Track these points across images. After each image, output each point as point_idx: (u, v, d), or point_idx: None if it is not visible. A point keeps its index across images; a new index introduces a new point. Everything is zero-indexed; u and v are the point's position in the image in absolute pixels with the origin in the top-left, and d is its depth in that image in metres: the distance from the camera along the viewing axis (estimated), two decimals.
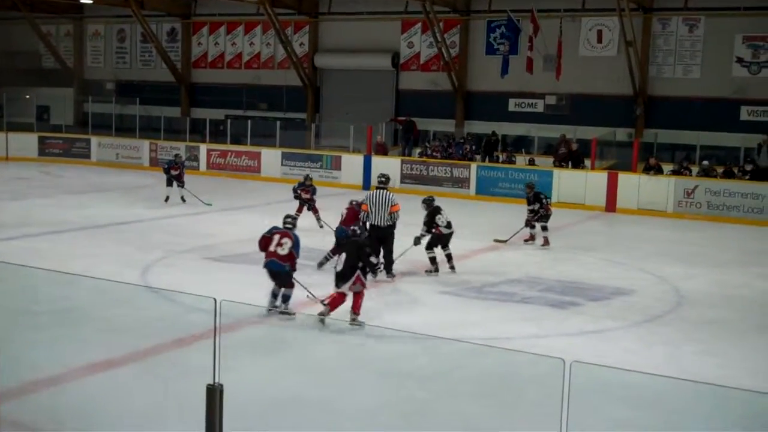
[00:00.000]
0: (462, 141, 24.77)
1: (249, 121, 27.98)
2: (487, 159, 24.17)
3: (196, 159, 26.81)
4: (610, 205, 21.11)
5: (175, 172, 19.41)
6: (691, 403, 6.74)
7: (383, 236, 12.11)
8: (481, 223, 16.23)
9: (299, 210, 15.75)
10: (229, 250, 13.95)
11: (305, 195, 16.30)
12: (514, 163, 23.50)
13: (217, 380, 4.91)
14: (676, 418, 6.73)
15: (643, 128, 24.27)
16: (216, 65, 31.41)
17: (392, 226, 12.24)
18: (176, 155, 21.61)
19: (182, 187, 19.44)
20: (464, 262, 13.73)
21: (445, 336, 8.98)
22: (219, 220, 17.63)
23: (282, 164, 25.81)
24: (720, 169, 21.05)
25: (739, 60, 23.31)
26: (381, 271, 11.43)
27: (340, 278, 9.59)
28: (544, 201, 15.44)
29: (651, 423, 6.83)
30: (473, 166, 23.28)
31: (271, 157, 26.07)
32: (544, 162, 23.42)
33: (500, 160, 23.94)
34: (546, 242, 15.36)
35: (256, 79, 30.35)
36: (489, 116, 26.13)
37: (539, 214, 15.34)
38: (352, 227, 10.87)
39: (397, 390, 7.47)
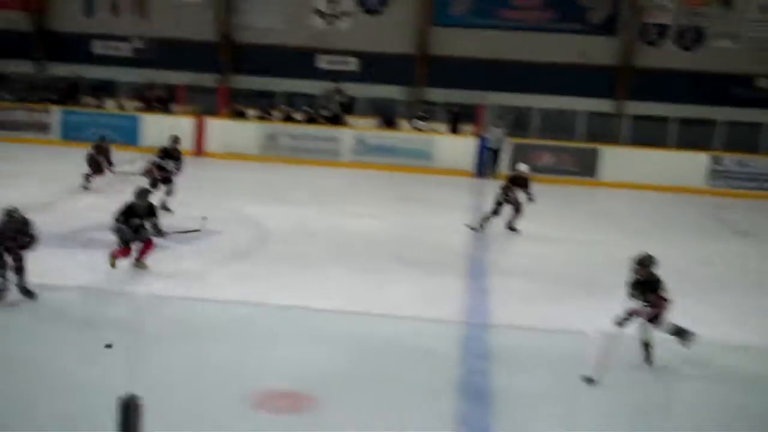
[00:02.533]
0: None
1: None
2: (69, 103, 23.15)
3: None
4: (199, 149, 21.55)
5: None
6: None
7: None
8: (69, 171, 15.69)
9: None
10: None
11: None
12: (103, 108, 22.91)
13: None
14: None
15: (231, 74, 24.92)
16: None
17: None
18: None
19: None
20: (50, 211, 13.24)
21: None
22: None
23: None
24: (300, 116, 22.50)
25: (318, 12, 24.85)
26: None
27: None
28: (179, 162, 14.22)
29: None
30: (56, 110, 22.24)
31: None
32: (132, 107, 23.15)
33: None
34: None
35: None
36: (72, 59, 24.99)
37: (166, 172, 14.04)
38: None
39: None
